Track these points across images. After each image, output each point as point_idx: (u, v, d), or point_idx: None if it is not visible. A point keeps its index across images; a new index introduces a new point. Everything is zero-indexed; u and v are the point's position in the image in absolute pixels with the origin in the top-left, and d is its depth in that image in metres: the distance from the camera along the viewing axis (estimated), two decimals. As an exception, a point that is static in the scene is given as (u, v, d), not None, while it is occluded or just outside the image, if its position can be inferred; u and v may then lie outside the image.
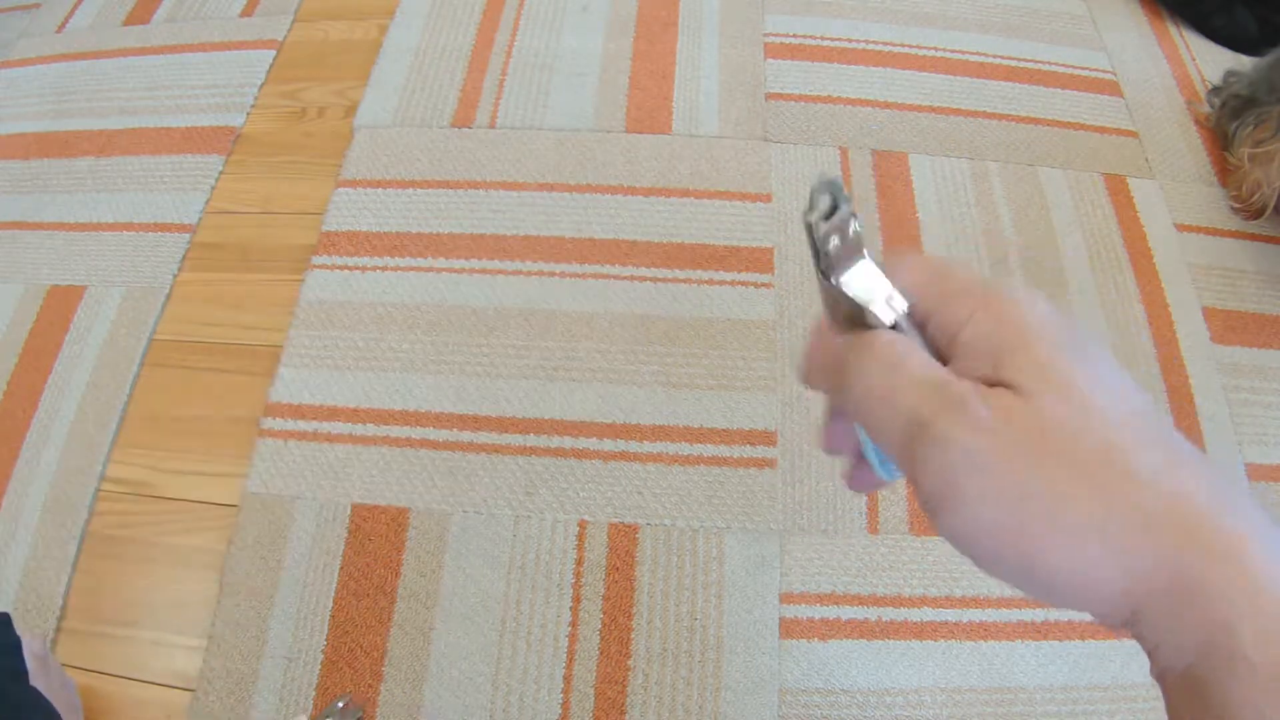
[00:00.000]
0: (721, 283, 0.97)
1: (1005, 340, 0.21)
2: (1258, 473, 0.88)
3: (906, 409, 0.21)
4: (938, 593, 0.80)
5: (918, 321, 0.23)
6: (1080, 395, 0.20)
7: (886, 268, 0.23)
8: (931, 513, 0.21)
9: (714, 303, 0.96)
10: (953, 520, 0.20)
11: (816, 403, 0.89)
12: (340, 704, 0.23)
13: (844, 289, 0.22)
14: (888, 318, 0.22)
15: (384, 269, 0.99)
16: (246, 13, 1.25)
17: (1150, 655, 0.20)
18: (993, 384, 0.20)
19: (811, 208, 0.22)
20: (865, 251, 0.22)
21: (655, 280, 0.97)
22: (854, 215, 0.22)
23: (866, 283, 0.22)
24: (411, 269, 0.98)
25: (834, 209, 0.22)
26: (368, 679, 0.76)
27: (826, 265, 0.22)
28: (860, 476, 0.27)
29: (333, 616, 0.78)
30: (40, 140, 1.12)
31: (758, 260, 0.99)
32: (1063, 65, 1.20)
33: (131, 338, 0.95)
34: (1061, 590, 0.20)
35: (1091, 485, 0.19)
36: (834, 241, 0.22)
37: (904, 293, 0.22)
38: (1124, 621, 0.20)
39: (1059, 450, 0.19)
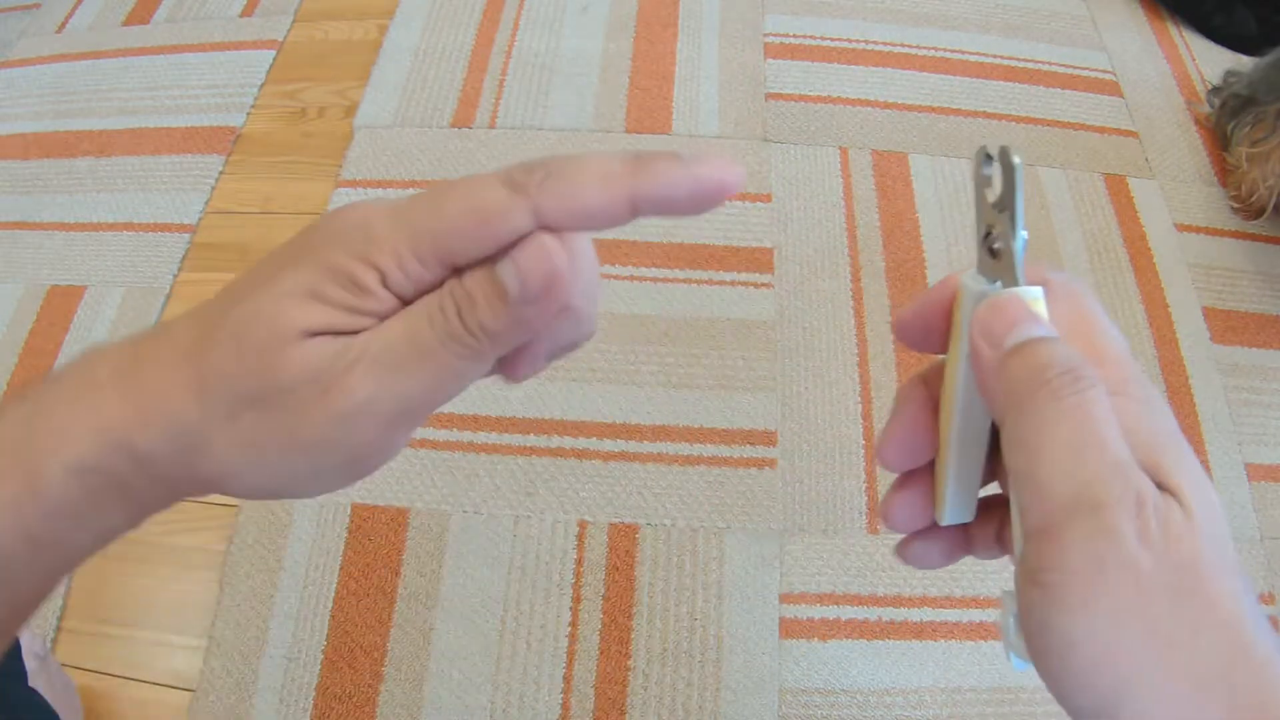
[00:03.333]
0: (721, 283, 0.98)
1: (1164, 438, 0.20)
2: (1257, 473, 0.88)
3: (1082, 480, 0.19)
4: (938, 593, 0.80)
5: None
6: (1221, 531, 0.19)
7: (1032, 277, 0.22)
8: (1046, 589, 0.19)
9: (714, 303, 0.96)
10: (1069, 615, 0.19)
11: (818, 405, 0.89)
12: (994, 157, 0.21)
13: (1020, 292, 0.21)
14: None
15: (384, 269, 0.98)
16: (246, 13, 1.25)
17: None
18: (1154, 479, 0.19)
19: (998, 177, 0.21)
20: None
21: (655, 280, 0.97)
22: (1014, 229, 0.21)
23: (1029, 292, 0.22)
24: (411, 269, 0.98)
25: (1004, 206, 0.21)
26: (368, 679, 0.76)
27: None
28: (924, 550, 0.25)
29: (333, 616, 0.78)
30: (40, 140, 1.12)
31: (758, 260, 0.99)
32: (1063, 65, 1.20)
33: (131, 338, 0.95)
34: None
35: (1214, 651, 0.18)
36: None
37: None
38: None
39: (1198, 598, 0.19)
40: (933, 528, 0.25)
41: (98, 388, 0.21)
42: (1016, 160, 0.21)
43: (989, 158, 0.22)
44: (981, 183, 0.22)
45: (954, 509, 0.24)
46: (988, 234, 0.22)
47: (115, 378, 0.21)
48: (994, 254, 0.22)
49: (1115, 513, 0.18)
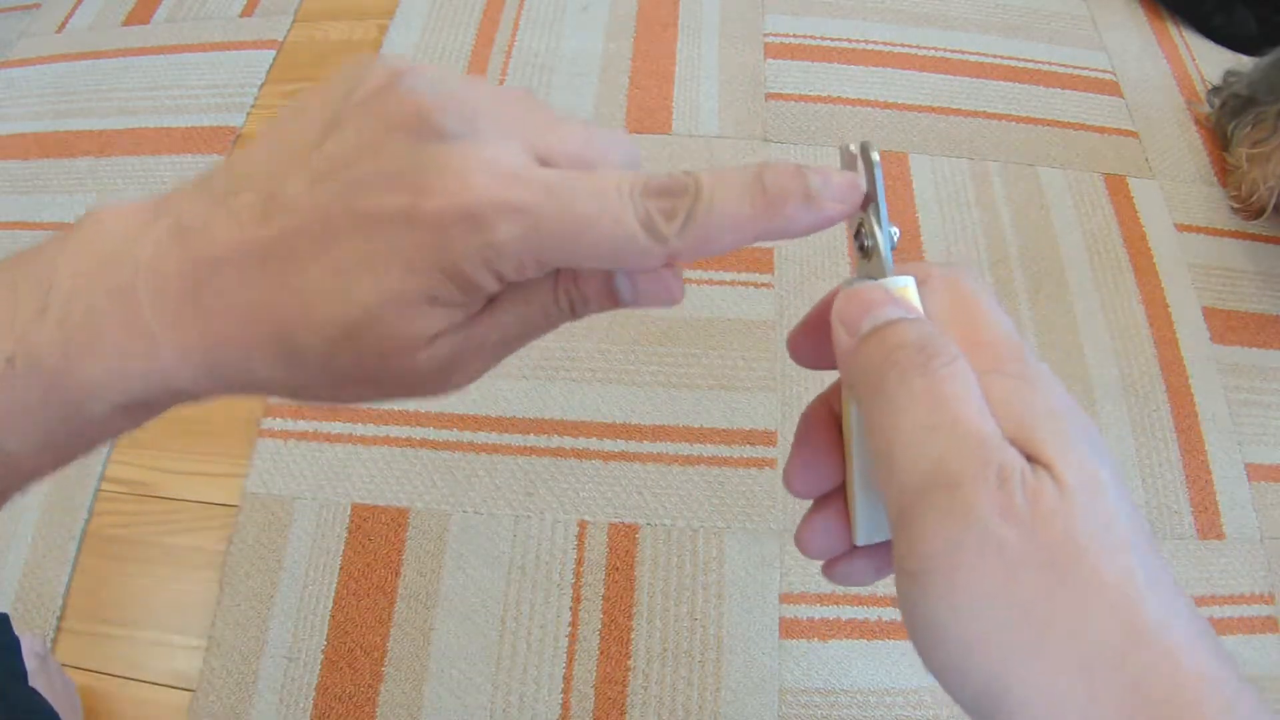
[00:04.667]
0: (721, 283, 0.98)
1: (1043, 414, 0.18)
2: (1257, 473, 0.88)
3: (935, 458, 0.18)
4: (938, 593, 0.80)
5: None
6: (1107, 505, 0.18)
7: (911, 274, 0.21)
8: (910, 577, 0.18)
9: (714, 303, 0.96)
10: (933, 603, 0.18)
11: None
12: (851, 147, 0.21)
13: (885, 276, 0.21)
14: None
15: (384, 269, 0.98)
16: (246, 13, 1.25)
17: None
18: (1025, 455, 0.18)
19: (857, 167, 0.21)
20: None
21: (655, 280, 0.97)
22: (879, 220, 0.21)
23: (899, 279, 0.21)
24: (411, 269, 0.98)
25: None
26: (368, 679, 0.76)
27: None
28: (850, 571, 0.24)
29: (333, 616, 0.78)
30: (40, 140, 1.12)
31: (758, 260, 0.99)
32: (1063, 65, 1.20)
33: (131, 338, 0.95)
34: None
35: (1102, 635, 0.17)
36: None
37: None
38: None
39: (1079, 577, 0.17)
40: (854, 549, 0.23)
41: (149, 336, 0.20)
42: (875, 156, 0.21)
43: (851, 154, 0.21)
44: None
45: (868, 528, 0.22)
46: (858, 232, 0.22)
47: (170, 324, 0.20)
48: (865, 252, 0.22)
49: (971, 489, 0.17)
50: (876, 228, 0.21)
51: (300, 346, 0.20)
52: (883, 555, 0.23)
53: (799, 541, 0.24)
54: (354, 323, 0.19)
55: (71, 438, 0.21)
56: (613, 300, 0.22)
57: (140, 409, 0.21)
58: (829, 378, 0.23)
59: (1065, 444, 0.18)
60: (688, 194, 0.19)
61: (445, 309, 0.20)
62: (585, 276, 0.21)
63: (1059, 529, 0.17)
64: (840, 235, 1.01)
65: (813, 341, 0.23)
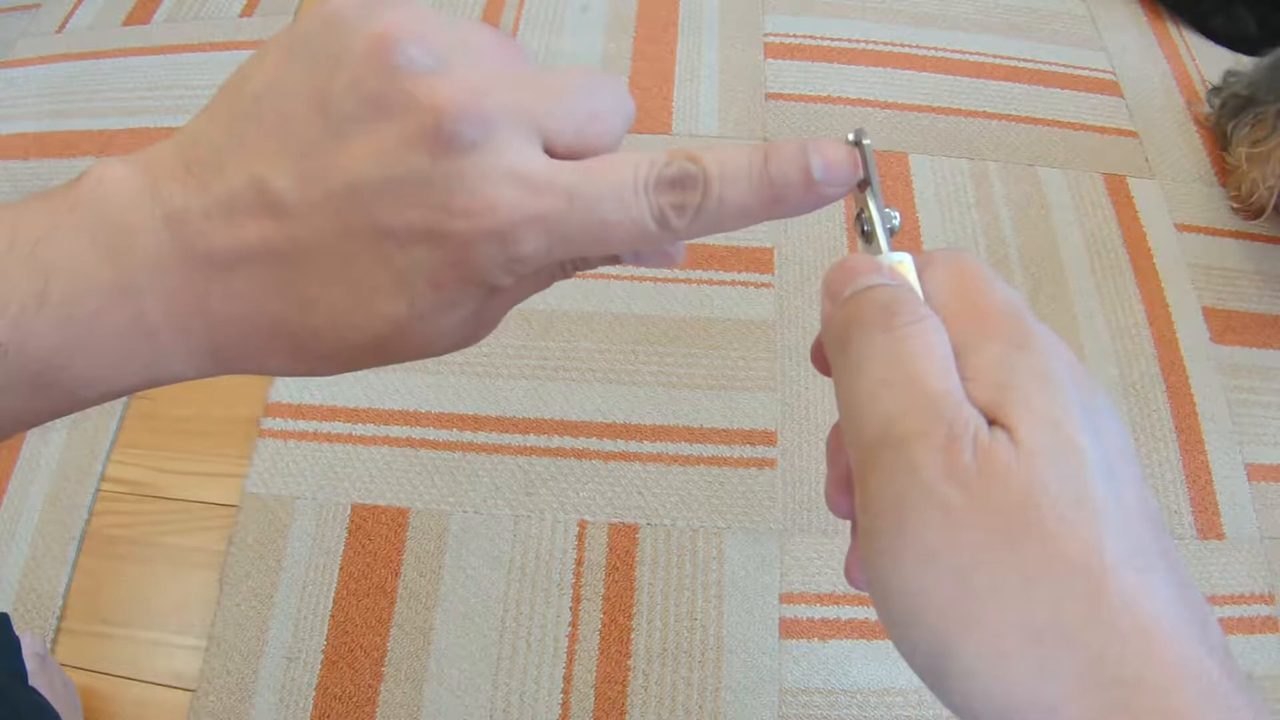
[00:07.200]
0: (721, 283, 0.98)
1: (1023, 376, 0.18)
2: (1257, 473, 0.88)
3: (888, 414, 0.18)
4: (938, 593, 0.80)
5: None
6: (1078, 473, 0.17)
7: (918, 260, 0.21)
8: (864, 537, 0.18)
9: (714, 303, 0.96)
10: (882, 563, 0.17)
11: (818, 405, 0.89)
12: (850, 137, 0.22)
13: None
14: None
15: (384, 269, 0.98)
16: (246, 13, 1.25)
17: None
18: (992, 419, 0.17)
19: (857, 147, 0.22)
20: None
21: (655, 280, 0.97)
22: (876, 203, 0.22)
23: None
24: (411, 269, 0.98)
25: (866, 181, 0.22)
26: (368, 679, 0.76)
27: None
28: None
29: (333, 616, 0.78)
30: (40, 140, 1.12)
31: (758, 260, 0.99)
32: (1063, 65, 1.20)
33: (131, 338, 0.94)
34: (963, 693, 0.17)
35: (1058, 605, 0.16)
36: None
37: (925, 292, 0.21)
38: None
39: (1031, 542, 0.16)
40: None
41: (153, 337, 0.19)
42: (868, 142, 0.22)
43: (849, 145, 0.22)
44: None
45: None
46: (859, 216, 0.22)
47: (177, 328, 0.19)
48: (866, 236, 0.22)
49: (917, 446, 0.17)
50: (874, 212, 0.22)
51: (324, 353, 0.20)
52: None
53: (848, 575, 0.23)
54: (380, 334, 0.20)
55: (54, 414, 0.21)
56: (614, 261, 0.23)
57: (134, 392, 0.21)
58: (828, 381, 0.23)
59: (1037, 408, 0.17)
60: (697, 188, 0.20)
61: (463, 309, 0.21)
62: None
63: (1011, 491, 0.16)
64: (840, 234, 1.02)
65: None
